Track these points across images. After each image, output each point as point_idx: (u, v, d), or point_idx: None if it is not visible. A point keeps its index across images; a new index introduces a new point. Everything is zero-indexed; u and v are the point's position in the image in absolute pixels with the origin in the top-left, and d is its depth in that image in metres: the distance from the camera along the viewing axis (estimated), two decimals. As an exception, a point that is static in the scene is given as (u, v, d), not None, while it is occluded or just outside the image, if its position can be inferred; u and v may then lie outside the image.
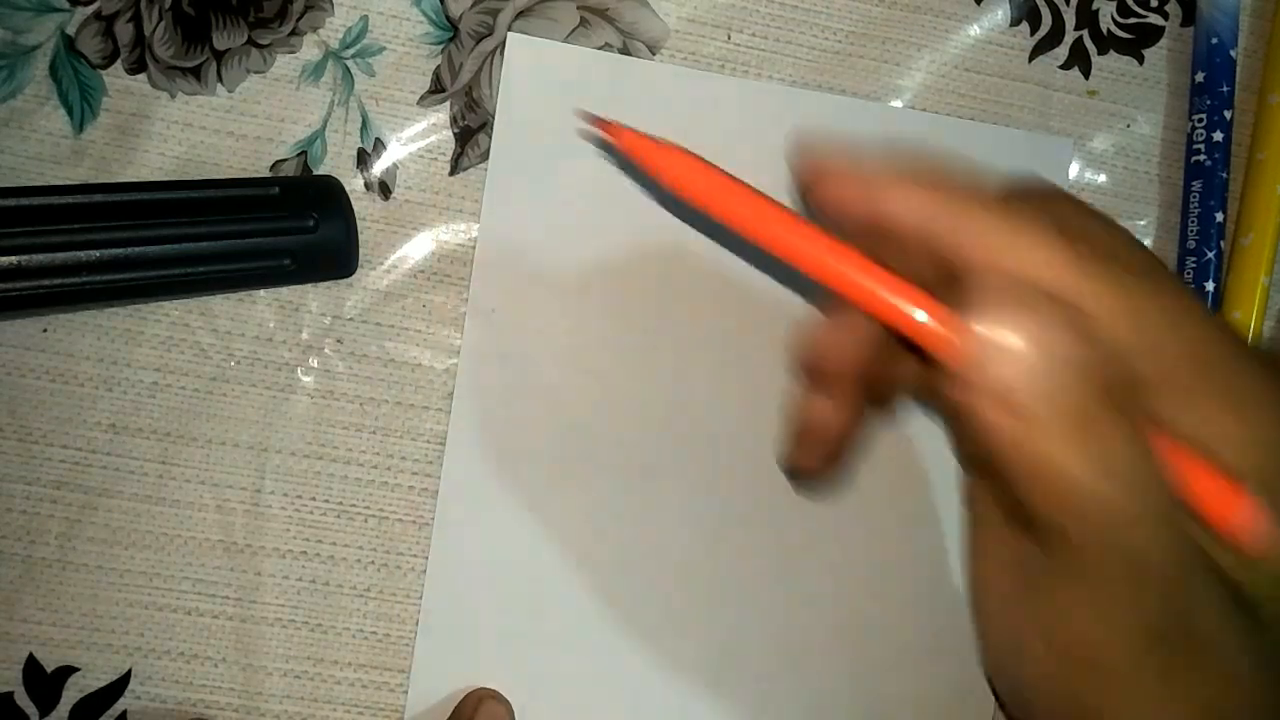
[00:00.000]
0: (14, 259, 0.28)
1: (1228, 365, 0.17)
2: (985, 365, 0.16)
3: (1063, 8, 0.36)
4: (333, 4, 0.32)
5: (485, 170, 0.33)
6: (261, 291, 0.32)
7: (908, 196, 0.18)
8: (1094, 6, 0.36)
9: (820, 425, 0.22)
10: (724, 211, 0.21)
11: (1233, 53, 0.35)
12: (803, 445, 0.22)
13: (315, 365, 0.32)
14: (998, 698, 0.22)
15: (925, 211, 0.18)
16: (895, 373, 0.21)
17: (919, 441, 0.34)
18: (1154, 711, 0.17)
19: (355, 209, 0.32)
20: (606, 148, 0.25)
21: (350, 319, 0.32)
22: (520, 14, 0.33)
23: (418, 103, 0.33)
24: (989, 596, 0.19)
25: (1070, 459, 0.16)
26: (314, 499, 0.32)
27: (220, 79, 0.32)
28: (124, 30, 0.31)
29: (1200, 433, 0.17)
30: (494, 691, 0.32)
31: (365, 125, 0.32)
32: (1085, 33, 0.36)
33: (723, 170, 0.22)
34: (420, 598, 0.32)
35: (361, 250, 0.32)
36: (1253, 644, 0.17)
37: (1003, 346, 0.16)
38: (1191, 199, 0.36)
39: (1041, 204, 0.19)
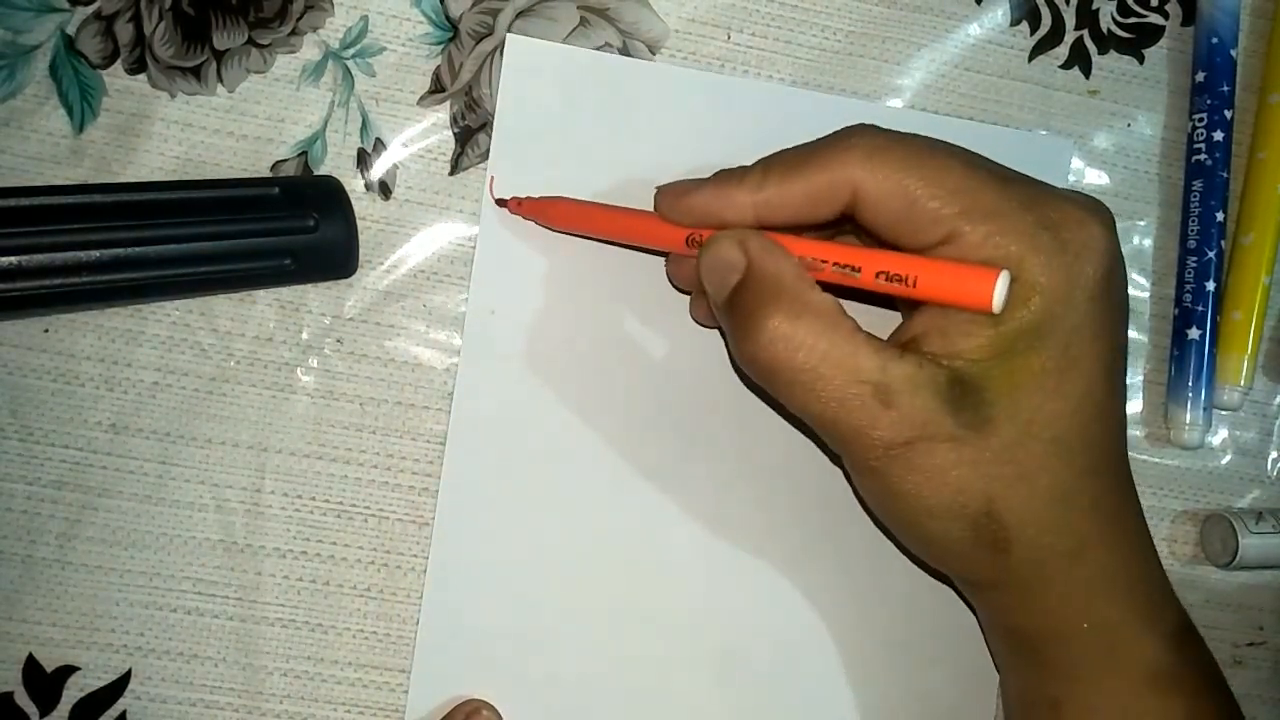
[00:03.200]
0: (14, 259, 0.28)
1: (990, 201, 0.24)
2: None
3: (1063, 7, 0.36)
4: (333, 4, 0.32)
5: (485, 170, 0.33)
6: (261, 291, 0.32)
7: (696, 196, 0.27)
8: (1094, 6, 0.36)
9: (700, 309, 0.32)
10: (583, 226, 0.32)
11: (1233, 52, 0.35)
12: (704, 321, 0.33)
13: (315, 365, 0.32)
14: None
15: (701, 202, 0.27)
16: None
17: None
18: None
19: (355, 209, 0.32)
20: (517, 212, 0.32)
21: (350, 319, 0.32)
22: (520, 14, 0.33)
23: (418, 103, 0.33)
24: (868, 489, 0.27)
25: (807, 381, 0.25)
26: (314, 499, 0.32)
27: (220, 79, 0.32)
28: (124, 30, 0.31)
29: (979, 243, 0.24)
30: (485, 703, 0.32)
31: (365, 125, 0.32)
32: (1085, 32, 0.36)
33: (584, 201, 0.31)
34: (420, 598, 0.32)
35: (361, 250, 0.32)
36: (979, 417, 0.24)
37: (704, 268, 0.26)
38: (1192, 198, 0.36)
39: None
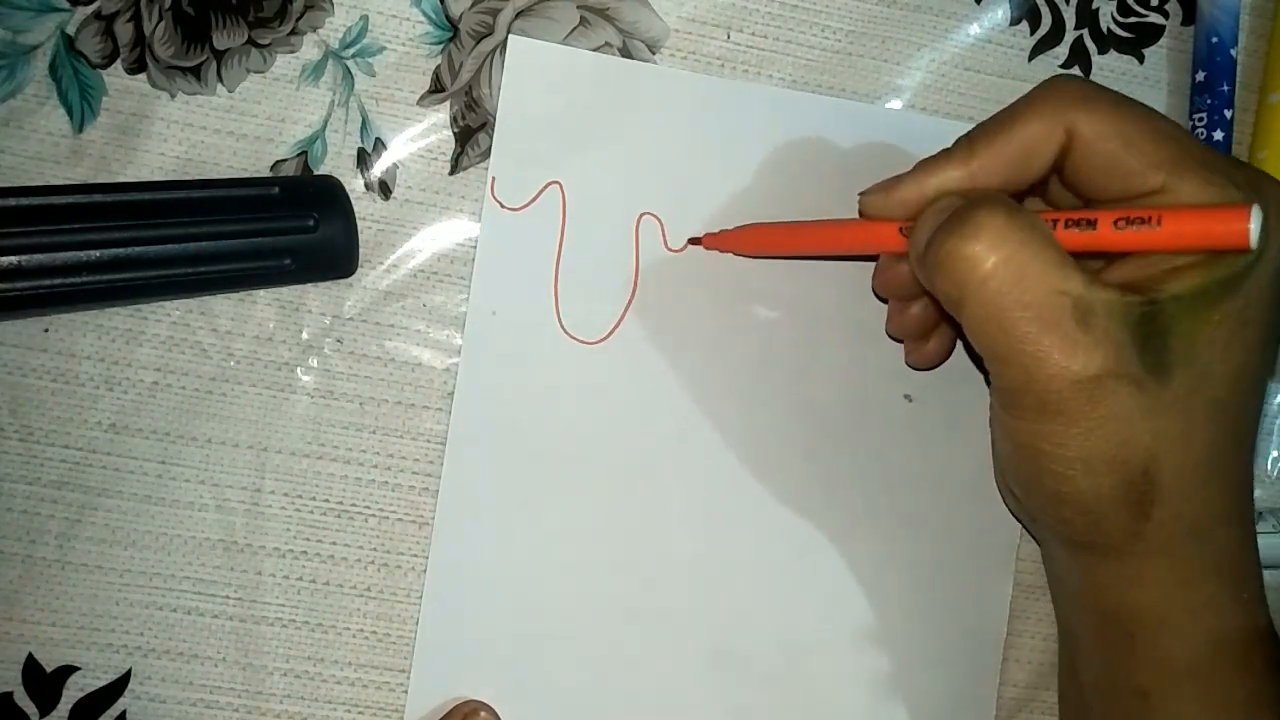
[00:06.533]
0: (14, 259, 0.28)
1: (1198, 153, 0.25)
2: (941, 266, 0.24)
3: (1063, 7, 0.36)
4: (333, 4, 0.32)
5: (485, 170, 0.33)
6: (261, 291, 0.32)
7: (905, 185, 0.27)
8: (1094, 5, 0.36)
9: (902, 320, 0.32)
10: (788, 247, 0.32)
11: (1233, 52, 0.35)
12: (901, 332, 0.32)
13: (315, 365, 0.32)
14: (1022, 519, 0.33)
15: (912, 188, 0.27)
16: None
17: (920, 445, 0.34)
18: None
19: (355, 209, 0.32)
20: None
21: (350, 319, 0.32)
22: (520, 13, 0.33)
23: (418, 103, 0.33)
24: (1008, 453, 0.27)
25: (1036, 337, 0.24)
26: (314, 499, 0.32)
27: (220, 79, 0.32)
28: (124, 30, 0.31)
29: (1197, 191, 0.24)
30: (483, 704, 0.32)
31: (365, 125, 0.32)
32: (1085, 32, 0.36)
33: (782, 223, 0.31)
34: (420, 598, 0.32)
35: (361, 250, 0.32)
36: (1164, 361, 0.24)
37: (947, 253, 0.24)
38: (1192, 198, 0.35)
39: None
